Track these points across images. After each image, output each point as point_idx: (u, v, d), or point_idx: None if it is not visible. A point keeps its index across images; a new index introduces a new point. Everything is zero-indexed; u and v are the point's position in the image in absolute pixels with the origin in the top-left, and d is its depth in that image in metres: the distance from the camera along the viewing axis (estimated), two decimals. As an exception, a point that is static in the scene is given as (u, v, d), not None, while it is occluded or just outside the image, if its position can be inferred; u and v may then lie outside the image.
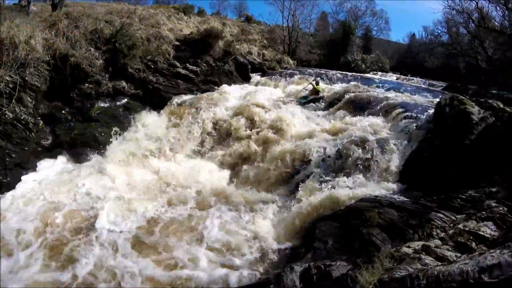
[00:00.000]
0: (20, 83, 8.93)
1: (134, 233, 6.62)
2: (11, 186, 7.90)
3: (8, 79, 8.72)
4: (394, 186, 6.66)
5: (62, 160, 9.24)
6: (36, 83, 9.53)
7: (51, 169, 8.84)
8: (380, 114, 9.46)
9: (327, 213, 6.00)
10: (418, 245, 3.80)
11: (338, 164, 7.70)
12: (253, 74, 15.80)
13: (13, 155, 8.32)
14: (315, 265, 3.92)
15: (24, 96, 9.16)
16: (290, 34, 21.43)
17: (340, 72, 17.29)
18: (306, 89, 12.85)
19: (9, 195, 7.61)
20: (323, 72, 16.69)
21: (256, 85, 14.59)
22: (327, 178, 7.36)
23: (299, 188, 7.43)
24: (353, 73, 17.95)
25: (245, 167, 9.12)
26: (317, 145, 8.37)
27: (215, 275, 5.50)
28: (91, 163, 9.23)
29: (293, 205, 6.96)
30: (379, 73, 22.20)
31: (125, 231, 6.64)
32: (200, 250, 6.13)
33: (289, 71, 16.65)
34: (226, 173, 9.27)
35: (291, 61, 18.73)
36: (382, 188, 6.57)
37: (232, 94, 12.61)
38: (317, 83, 12.70)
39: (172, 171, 9.17)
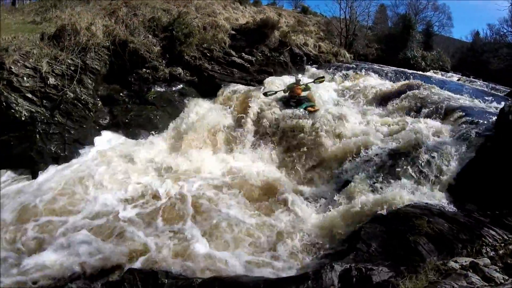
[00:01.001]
0: (81, 66, 9.47)
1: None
2: (68, 160, 8.40)
3: (69, 62, 9.32)
4: (447, 195, 6.24)
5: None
6: (96, 66, 10.04)
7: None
8: (439, 116, 8.90)
9: (374, 215, 5.78)
10: (466, 261, 3.66)
11: (390, 165, 7.32)
12: (308, 66, 15.42)
13: (72, 132, 8.79)
14: (356, 267, 3.84)
15: (85, 78, 9.64)
16: (347, 26, 20.80)
17: (399, 68, 16.45)
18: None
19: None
20: (380, 67, 15.98)
21: (311, 77, 14.05)
22: (378, 178, 7.04)
23: (347, 186, 7.16)
24: (412, 71, 16.93)
25: (295, 157, 8.93)
26: (370, 143, 8.04)
27: (253, 262, 5.48)
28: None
29: (339, 202, 6.75)
30: (440, 72, 20.97)
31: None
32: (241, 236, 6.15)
33: (346, 64, 16.15)
34: (277, 162, 9.12)
35: (347, 55, 18.11)
36: (434, 196, 6.20)
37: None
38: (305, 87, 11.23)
39: (225, 157, 9.23)
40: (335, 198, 7.00)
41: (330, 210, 6.61)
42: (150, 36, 11.70)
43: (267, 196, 7.47)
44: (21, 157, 8.04)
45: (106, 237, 5.97)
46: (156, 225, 6.39)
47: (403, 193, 6.19)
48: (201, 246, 5.75)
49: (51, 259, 5.39)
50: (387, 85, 12.00)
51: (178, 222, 6.49)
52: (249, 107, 10.64)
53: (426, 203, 5.74)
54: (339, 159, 8.18)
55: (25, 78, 8.50)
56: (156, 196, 7.30)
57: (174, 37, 11.77)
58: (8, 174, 7.83)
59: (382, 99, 10.92)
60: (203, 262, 5.43)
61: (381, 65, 17.39)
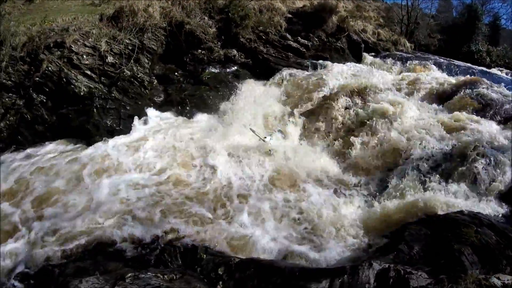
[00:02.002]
0: (138, 45, 9.79)
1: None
2: (122, 133, 8.77)
3: (127, 41, 9.69)
4: (499, 206, 5.81)
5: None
6: (153, 46, 10.31)
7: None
8: (500, 120, 8.32)
9: (420, 216, 5.54)
10: (508, 280, 3.56)
11: (444, 166, 6.91)
12: (366, 54, 14.79)
13: (128, 107, 9.21)
14: (394, 268, 3.78)
15: (142, 57, 9.97)
16: (408, 13, 19.79)
17: (462, 63, 15.38)
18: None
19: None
20: (442, 60, 15.16)
21: (368, 66, 13.45)
22: (430, 178, 6.65)
23: (397, 182, 6.85)
24: (476, 67, 15.69)
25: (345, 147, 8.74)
26: (427, 139, 7.68)
27: (290, 249, 5.44)
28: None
29: (386, 198, 6.48)
30: (505, 70, 19.23)
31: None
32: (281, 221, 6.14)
33: (405, 54, 15.33)
34: (327, 150, 8.90)
35: (408, 44, 17.29)
36: (486, 205, 5.81)
37: (342, 72, 11.66)
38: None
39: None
40: (383, 193, 6.75)
41: (375, 205, 6.35)
42: (206, 17, 11.77)
43: (307, 182, 7.30)
44: (79, 129, 8.52)
45: (151, 209, 6.14)
46: (198, 203, 6.42)
47: (453, 197, 5.92)
48: (241, 228, 5.80)
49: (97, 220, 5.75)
50: (448, 80, 11.15)
51: (221, 202, 6.54)
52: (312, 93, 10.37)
53: (477, 212, 5.39)
54: (391, 153, 7.85)
55: (84, 56, 8.98)
56: (200, 175, 7.41)
57: (230, 19, 11.74)
58: (65, 144, 8.33)
59: (442, 95, 10.22)
60: (242, 243, 5.48)
61: (443, 57, 16.32)
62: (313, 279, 3.85)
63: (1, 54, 8.58)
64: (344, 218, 6.09)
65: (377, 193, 6.84)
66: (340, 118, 9.56)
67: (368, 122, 8.97)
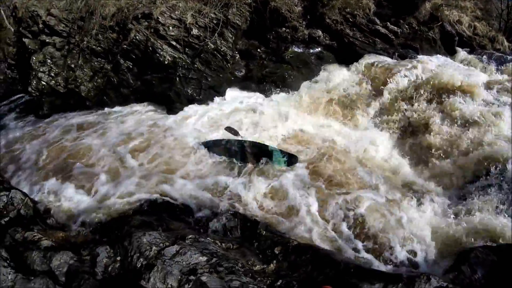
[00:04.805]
0: (223, 20, 9.82)
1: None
2: (201, 103, 9.41)
3: (212, 16, 9.75)
4: None
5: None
6: (237, 21, 10.26)
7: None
8: None
9: (490, 241, 5.13)
10: None
11: None
12: (459, 48, 13.47)
13: (209, 79, 9.63)
14: None
15: (226, 31, 9.98)
16: (509, 8, 17.97)
17: None
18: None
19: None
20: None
21: (462, 62, 12.30)
22: (507, 201, 5.86)
23: (472, 199, 6.12)
24: None
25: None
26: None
27: (349, 243, 5.38)
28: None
29: (456, 214, 5.89)
30: None
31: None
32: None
33: (503, 55, 13.55)
34: (402, 150, 8.20)
35: (506, 43, 15.51)
36: None
37: (433, 66, 10.66)
38: None
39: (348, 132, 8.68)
40: (457, 207, 6.10)
41: (446, 218, 5.86)
42: (292, -5, 11.62)
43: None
44: (160, 95, 9.31)
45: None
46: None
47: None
48: (308, 216, 5.75)
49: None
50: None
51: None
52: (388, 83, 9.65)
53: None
54: (473, 166, 6.96)
55: (170, 28, 9.26)
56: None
57: (317, -1, 11.41)
58: (148, 107, 9.42)
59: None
60: (304, 229, 5.48)
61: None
62: (366, 280, 3.69)
63: (92, 23, 9.35)
64: (412, 223, 5.77)
65: (451, 206, 6.23)
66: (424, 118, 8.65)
67: (456, 128, 8.05)
